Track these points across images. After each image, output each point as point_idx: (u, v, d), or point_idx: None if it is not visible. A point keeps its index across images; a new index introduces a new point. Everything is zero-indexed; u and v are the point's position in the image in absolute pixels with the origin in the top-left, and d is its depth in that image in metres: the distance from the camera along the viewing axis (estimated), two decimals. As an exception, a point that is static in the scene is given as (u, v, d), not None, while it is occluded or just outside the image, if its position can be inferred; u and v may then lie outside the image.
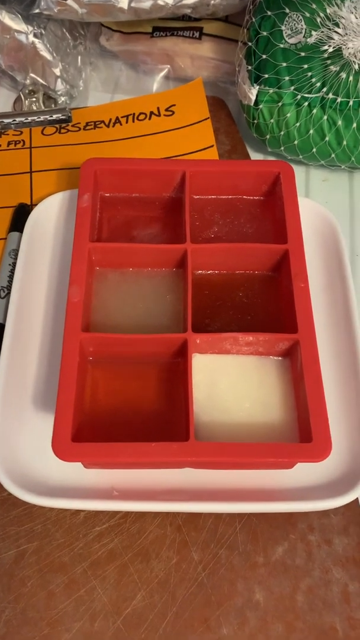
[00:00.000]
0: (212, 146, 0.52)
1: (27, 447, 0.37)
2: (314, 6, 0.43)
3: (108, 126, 0.54)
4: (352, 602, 0.35)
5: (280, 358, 0.38)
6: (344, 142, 0.47)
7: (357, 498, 0.37)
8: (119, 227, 0.43)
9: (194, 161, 0.47)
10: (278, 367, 0.37)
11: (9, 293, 0.43)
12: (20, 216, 0.47)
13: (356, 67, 0.43)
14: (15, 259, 0.44)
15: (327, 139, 0.47)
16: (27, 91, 0.56)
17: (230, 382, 0.37)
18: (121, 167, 0.42)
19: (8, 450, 0.36)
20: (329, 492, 0.35)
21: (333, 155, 0.48)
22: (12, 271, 0.44)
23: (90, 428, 0.35)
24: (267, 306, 0.40)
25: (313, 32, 0.43)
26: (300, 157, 0.50)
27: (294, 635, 0.34)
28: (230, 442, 0.33)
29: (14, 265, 0.44)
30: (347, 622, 0.35)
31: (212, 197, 0.44)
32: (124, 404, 0.37)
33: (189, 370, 0.35)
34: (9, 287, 0.43)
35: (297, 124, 0.47)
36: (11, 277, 0.44)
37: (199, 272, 0.40)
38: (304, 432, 0.34)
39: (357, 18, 0.42)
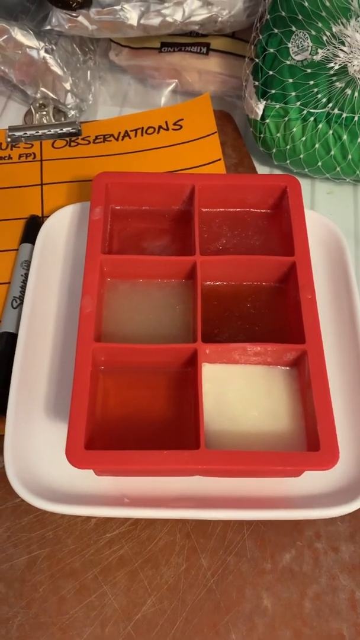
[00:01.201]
0: (220, 160, 0.53)
1: (39, 454, 0.38)
2: (320, 25, 0.44)
3: (117, 139, 0.55)
4: (359, 608, 0.36)
5: (287, 368, 0.38)
6: (349, 156, 0.48)
7: (363, 506, 0.38)
8: (130, 239, 0.44)
9: (203, 175, 0.48)
10: (286, 376, 0.38)
11: (21, 303, 0.44)
12: (31, 228, 0.48)
13: (361, 83, 0.45)
14: (27, 270, 0.45)
15: (332, 153, 0.48)
16: (37, 105, 0.57)
17: (238, 392, 0.38)
18: (132, 180, 0.43)
19: (20, 457, 0.37)
20: (336, 499, 0.36)
21: (338, 169, 0.49)
22: (24, 282, 0.45)
23: (101, 436, 0.36)
24: (274, 317, 0.40)
25: (319, 50, 0.45)
26: (306, 170, 0.51)
27: (301, 641, 0.35)
28: (239, 450, 0.34)
29: (26, 276, 0.45)
30: (354, 628, 0.35)
31: (221, 210, 0.45)
32: (134, 412, 0.37)
33: (199, 380, 0.36)
34: (21, 298, 0.44)
35: (303, 138, 0.48)
36: (23, 287, 0.45)
37: (208, 283, 0.41)
38: (311, 440, 0.35)
39: (362, 37, 0.43)
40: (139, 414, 0.37)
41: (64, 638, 0.35)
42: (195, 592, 0.36)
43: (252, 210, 0.45)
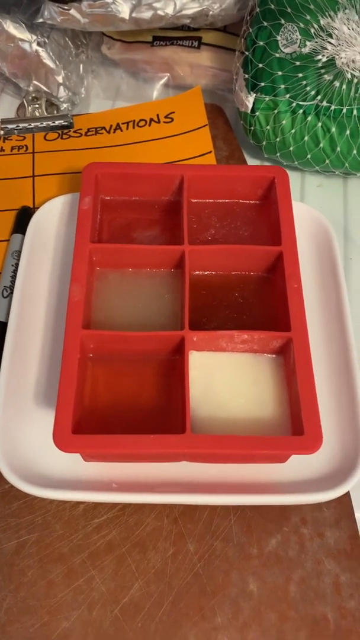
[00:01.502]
0: (210, 152, 0.53)
1: (29, 440, 0.38)
2: (308, 17, 0.45)
3: (109, 132, 0.55)
4: (343, 592, 0.36)
5: (274, 355, 0.39)
6: (338, 149, 0.48)
7: (348, 492, 0.38)
8: (120, 229, 0.45)
9: (192, 166, 0.48)
10: (272, 364, 0.39)
11: (11, 293, 0.44)
12: (22, 218, 0.48)
13: (349, 76, 0.45)
14: (18, 260, 0.46)
15: (321, 145, 0.49)
16: (30, 98, 0.57)
17: (225, 379, 0.38)
18: (121, 171, 0.44)
19: (10, 443, 0.38)
20: (321, 485, 0.37)
21: (327, 161, 0.50)
22: (15, 272, 0.45)
23: (90, 422, 0.37)
24: (262, 306, 0.41)
25: (307, 43, 0.45)
26: (296, 163, 0.51)
27: (286, 624, 0.35)
28: (224, 435, 0.34)
29: (16, 266, 0.46)
30: (338, 611, 0.36)
31: (210, 200, 0.45)
32: (123, 399, 0.38)
33: (185, 367, 0.36)
34: (11, 287, 0.45)
35: (293, 131, 0.49)
36: (14, 277, 0.45)
37: (197, 272, 0.42)
38: (296, 425, 0.35)
39: (349, 29, 0.44)
40: (127, 401, 0.38)
41: (52, 621, 0.35)
42: (182, 576, 0.36)
43: (241, 201, 0.45)
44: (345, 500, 0.39)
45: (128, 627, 0.35)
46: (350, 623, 0.35)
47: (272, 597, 0.36)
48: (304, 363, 0.36)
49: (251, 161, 0.55)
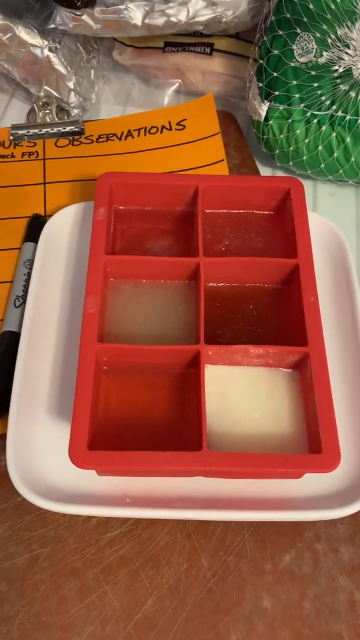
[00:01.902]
0: (222, 160, 0.53)
1: (41, 453, 0.38)
2: (325, 27, 0.44)
3: (120, 139, 0.55)
4: (358, 610, 0.36)
5: (290, 370, 0.39)
6: (352, 159, 0.48)
7: (363, 508, 0.38)
8: (133, 239, 0.44)
9: (206, 176, 0.48)
10: (288, 378, 0.38)
11: (24, 302, 0.44)
12: (34, 227, 0.48)
13: (365, 86, 0.45)
14: (30, 269, 0.45)
15: (335, 155, 0.48)
16: (40, 103, 0.57)
17: (240, 393, 0.38)
18: (136, 181, 0.44)
19: (22, 456, 0.37)
20: (336, 501, 0.36)
21: (341, 171, 0.50)
22: (27, 281, 0.45)
23: (104, 436, 0.36)
24: (276, 319, 0.41)
25: (324, 52, 0.45)
26: (309, 172, 0.51)
27: (300, 641, 0.35)
28: (241, 453, 0.34)
29: (28, 275, 0.45)
30: (353, 629, 0.35)
31: (224, 211, 0.45)
32: (136, 413, 0.38)
33: (201, 381, 0.36)
34: (24, 297, 0.44)
35: (306, 140, 0.49)
36: (26, 286, 0.45)
37: (211, 284, 0.41)
38: (313, 443, 0.35)
39: (367, 40, 0.43)
40: (141, 415, 0.38)
41: (65, 637, 0.35)
42: (195, 592, 0.36)
43: (255, 211, 0.45)
44: (359, 516, 0.38)
45: (141, 644, 0.35)
46: (365, 641, 0.35)
47: (286, 613, 0.36)
48: (322, 379, 0.35)
49: (263, 169, 0.55)
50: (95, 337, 0.37)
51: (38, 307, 0.42)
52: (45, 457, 0.38)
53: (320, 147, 0.49)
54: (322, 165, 0.50)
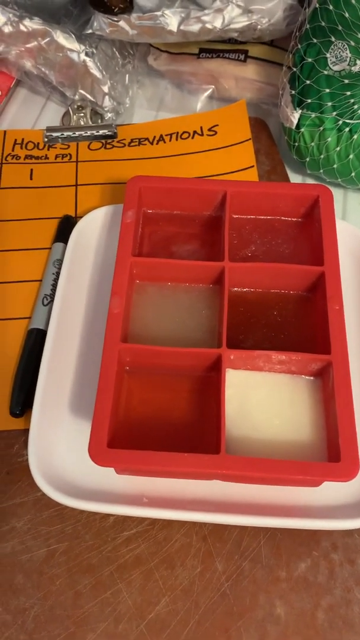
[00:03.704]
0: (253, 167, 0.53)
1: (63, 450, 0.39)
2: (359, 35, 0.44)
3: (152, 143, 0.55)
4: (373, 622, 0.36)
5: (312, 378, 0.38)
6: (383, 168, 0.48)
7: (382, 520, 0.37)
8: (160, 242, 0.45)
9: (235, 182, 0.48)
10: (309, 386, 0.38)
11: (51, 301, 0.45)
12: (65, 227, 0.49)
13: None
14: (59, 268, 0.46)
15: (366, 164, 0.48)
16: (75, 106, 0.58)
17: (261, 399, 0.38)
18: (165, 185, 0.44)
19: (44, 452, 0.38)
20: (355, 511, 0.36)
21: (371, 180, 0.49)
22: (56, 280, 0.46)
23: (124, 435, 0.37)
24: (300, 326, 0.41)
25: (358, 61, 0.44)
26: (339, 180, 0.51)
27: (313, 651, 0.35)
28: (259, 458, 0.34)
29: (57, 274, 0.46)
30: (366, 642, 0.35)
31: (251, 217, 0.45)
32: (157, 413, 0.38)
33: (222, 385, 0.36)
34: (52, 296, 0.45)
35: (338, 149, 0.48)
36: (54, 285, 0.46)
37: (235, 289, 0.42)
38: (332, 451, 0.35)
39: None
40: (161, 416, 0.38)
41: (78, 632, 0.35)
42: (208, 595, 0.36)
43: (283, 218, 0.45)
44: (378, 527, 0.38)
45: (153, 644, 0.35)
46: (379, 655, 0.35)
47: (300, 622, 0.36)
48: (344, 388, 0.35)
49: (293, 177, 0.55)
50: (119, 337, 0.37)
51: (65, 306, 0.43)
52: (66, 454, 0.38)
53: (351, 156, 0.48)
54: (353, 174, 0.49)
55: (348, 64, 0.45)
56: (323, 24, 0.46)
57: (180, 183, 0.44)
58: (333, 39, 0.46)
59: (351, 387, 0.35)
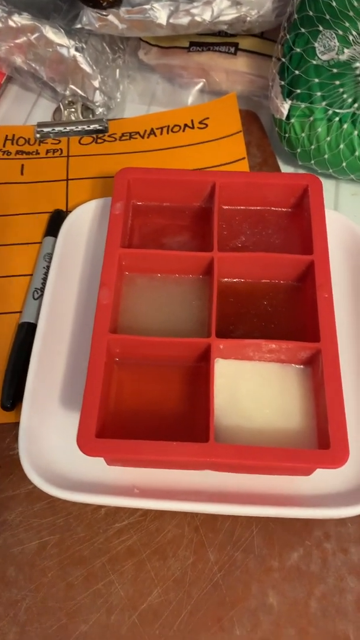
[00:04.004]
0: (244, 158, 0.53)
1: (54, 442, 0.39)
2: (347, 24, 0.44)
3: (143, 137, 0.55)
4: (366, 611, 0.35)
5: (301, 366, 0.38)
6: (374, 157, 0.48)
7: (374, 508, 0.37)
8: (150, 234, 0.45)
9: (224, 172, 0.48)
10: (299, 375, 0.38)
11: (42, 295, 0.45)
12: (55, 221, 0.49)
13: (387, 84, 0.44)
14: (50, 262, 0.46)
15: (357, 153, 0.48)
16: (66, 102, 0.58)
17: (251, 388, 0.38)
18: (153, 176, 0.44)
19: (35, 445, 0.38)
20: (347, 500, 0.36)
21: (363, 170, 0.49)
22: (46, 274, 0.46)
23: (114, 426, 0.37)
24: (291, 315, 0.40)
25: (345, 50, 0.44)
26: (330, 170, 0.51)
27: (306, 640, 0.35)
28: (248, 446, 0.34)
29: (48, 268, 0.46)
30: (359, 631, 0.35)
31: (241, 207, 0.45)
32: (147, 404, 0.38)
33: (211, 373, 0.36)
34: (42, 289, 0.45)
35: (328, 139, 0.48)
36: (45, 279, 0.46)
37: (225, 279, 0.42)
38: (322, 439, 0.35)
39: (389, 36, 0.43)
40: (152, 407, 0.38)
41: (71, 623, 0.35)
42: (201, 585, 0.36)
43: (272, 208, 0.45)
44: (370, 516, 0.38)
45: (146, 634, 0.35)
46: (372, 643, 0.35)
47: (292, 611, 0.35)
48: (333, 375, 0.35)
49: (285, 168, 0.55)
50: (108, 327, 0.37)
51: (55, 299, 0.43)
52: (57, 447, 0.38)
53: (341, 146, 0.48)
54: (344, 164, 0.49)
55: (336, 53, 0.45)
56: (311, 13, 0.46)
57: (169, 174, 0.44)
58: (321, 28, 0.46)
59: (340, 374, 0.35)
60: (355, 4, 0.44)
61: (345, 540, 0.37)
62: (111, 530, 0.38)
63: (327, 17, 0.45)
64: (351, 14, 0.44)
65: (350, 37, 0.44)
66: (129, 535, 0.38)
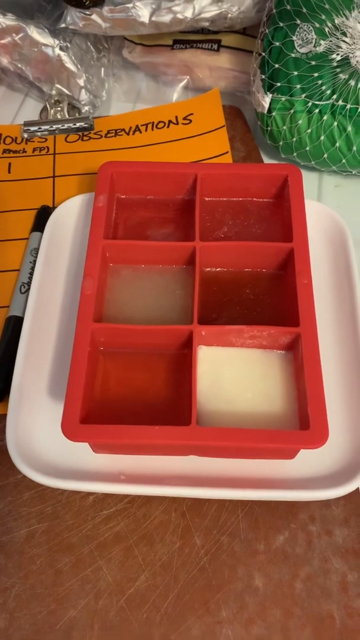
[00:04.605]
0: (227, 152, 0.54)
1: (41, 432, 0.39)
2: (323, 17, 0.45)
3: (128, 134, 0.56)
4: (350, 591, 0.36)
5: (283, 352, 0.39)
6: (354, 148, 0.48)
7: (357, 488, 0.38)
8: (134, 227, 0.45)
9: (205, 164, 0.49)
10: (281, 360, 0.39)
11: (29, 289, 0.45)
12: (42, 217, 0.49)
13: (364, 74, 0.45)
14: (36, 257, 0.47)
15: (337, 144, 0.49)
16: (52, 101, 0.59)
17: (234, 374, 0.38)
18: (136, 170, 0.45)
19: (23, 435, 0.38)
20: (330, 482, 0.36)
21: (344, 161, 0.50)
22: (33, 268, 0.46)
23: (99, 414, 0.37)
24: (273, 303, 0.41)
25: (322, 42, 0.45)
26: (313, 162, 0.51)
27: (291, 621, 0.35)
28: (229, 428, 0.35)
29: (34, 263, 0.47)
30: (344, 610, 0.35)
31: (223, 199, 0.46)
32: (133, 393, 0.38)
33: (193, 359, 0.36)
34: (29, 284, 0.46)
35: (309, 131, 0.49)
36: (32, 274, 0.46)
37: (208, 269, 0.42)
38: (302, 420, 0.35)
39: (364, 27, 0.44)
40: (137, 395, 0.38)
41: (59, 609, 0.36)
42: (188, 569, 0.37)
43: (254, 199, 0.46)
44: (354, 498, 0.38)
45: (133, 618, 0.35)
46: (357, 622, 0.35)
47: (278, 593, 0.36)
48: (312, 358, 0.35)
49: (268, 162, 0.55)
50: (92, 317, 0.38)
51: (41, 292, 0.44)
52: (44, 436, 0.39)
53: (322, 137, 0.49)
54: (325, 155, 0.50)
55: (314, 46, 0.46)
56: (288, 7, 0.47)
57: (152, 167, 0.45)
58: (298, 21, 0.46)
59: (319, 357, 0.36)
60: (331, -3, 0.45)
61: (330, 523, 0.38)
62: (99, 518, 0.38)
63: (304, 10, 0.46)
64: (327, 6, 0.45)
65: (327, 29, 0.45)
66: (116, 521, 0.38)
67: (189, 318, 0.40)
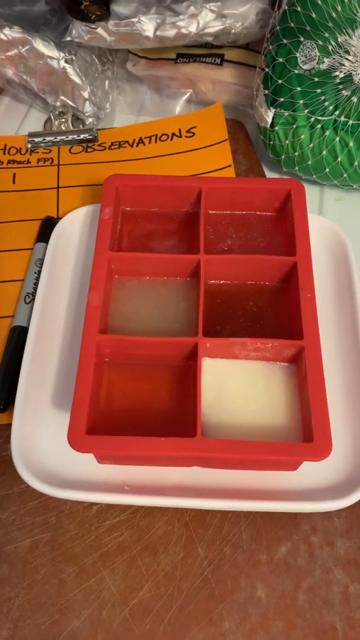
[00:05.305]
0: (230, 166, 0.54)
1: (46, 442, 0.39)
2: (327, 35, 0.46)
3: (132, 146, 0.57)
4: (352, 602, 0.36)
5: (286, 364, 0.39)
6: (356, 163, 0.49)
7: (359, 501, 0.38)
8: (139, 239, 0.46)
9: (210, 178, 0.49)
10: (284, 372, 0.39)
11: (34, 299, 0.46)
12: (46, 228, 0.50)
13: (366, 91, 0.46)
14: (41, 267, 0.47)
15: (339, 159, 0.49)
16: (57, 112, 0.59)
17: (238, 386, 0.39)
18: (142, 183, 0.45)
19: (28, 445, 0.39)
20: (333, 494, 0.37)
21: (345, 175, 0.51)
22: (37, 279, 0.47)
23: (104, 425, 0.37)
24: (276, 315, 0.42)
25: (325, 59, 0.46)
26: (314, 176, 0.52)
27: (294, 632, 0.35)
28: (233, 440, 0.35)
29: (39, 273, 0.47)
30: (346, 621, 0.36)
31: (227, 212, 0.46)
32: (137, 404, 0.39)
33: (198, 371, 0.37)
34: (34, 294, 0.46)
35: (311, 145, 0.50)
36: (36, 284, 0.47)
37: (212, 281, 0.43)
38: (306, 432, 0.35)
39: (366, 46, 0.45)
40: (141, 406, 0.39)
41: (63, 619, 0.36)
42: (191, 580, 0.37)
43: (257, 213, 0.46)
44: (356, 510, 0.39)
45: (136, 629, 0.35)
46: (359, 633, 0.35)
47: (280, 604, 0.36)
48: (316, 370, 0.36)
49: (270, 175, 0.56)
50: (97, 328, 0.38)
51: (46, 302, 0.44)
52: (49, 446, 0.39)
53: (324, 152, 0.50)
54: (327, 170, 0.51)
55: (317, 63, 0.47)
56: (292, 25, 0.48)
57: (157, 181, 0.46)
58: (302, 39, 0.47)
59: (323, 370, 0.36)
60: (334, 14, 0.45)
61: (332, 534, 0.38)
62: (102, 528, 0.38)
63: (308, 28, 0.47)
64: (330, 25, 0.46)
65: (330, 47, 0.46)
66: (120, 532, 0.38)
67: (193, 330, 0.41)
